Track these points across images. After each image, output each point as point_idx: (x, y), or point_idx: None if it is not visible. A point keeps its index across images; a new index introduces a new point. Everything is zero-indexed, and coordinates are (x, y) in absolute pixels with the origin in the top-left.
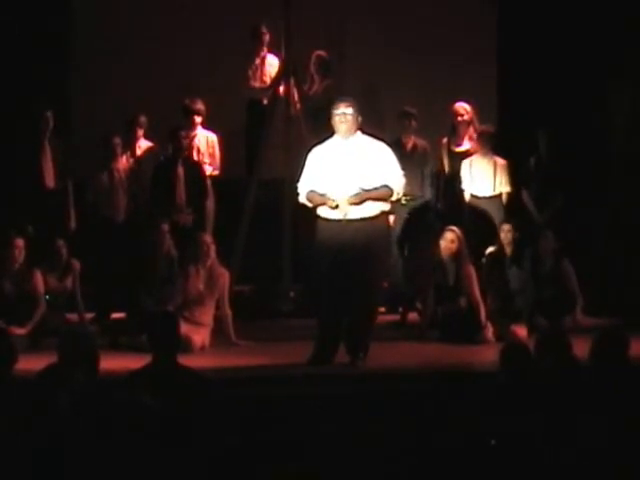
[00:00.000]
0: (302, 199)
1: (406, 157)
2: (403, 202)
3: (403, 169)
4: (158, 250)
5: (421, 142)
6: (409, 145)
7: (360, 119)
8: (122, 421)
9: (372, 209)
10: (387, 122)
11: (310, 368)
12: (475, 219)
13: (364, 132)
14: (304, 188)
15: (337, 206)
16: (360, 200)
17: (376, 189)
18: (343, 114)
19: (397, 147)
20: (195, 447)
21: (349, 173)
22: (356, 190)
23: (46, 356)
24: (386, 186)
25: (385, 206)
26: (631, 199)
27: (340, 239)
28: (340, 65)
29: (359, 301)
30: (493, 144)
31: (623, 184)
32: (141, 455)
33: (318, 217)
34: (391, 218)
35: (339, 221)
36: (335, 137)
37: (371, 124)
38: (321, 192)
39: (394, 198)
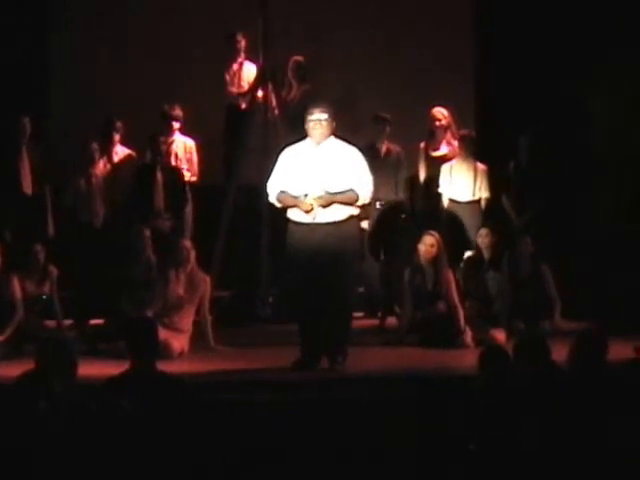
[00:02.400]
0: (271, 199)
1: (380, 162)
2: (377, 207)
3: (376, 174)
4: (138, 256)
5: (395, 147)
6: (383, 150)
7: (334, 124)
8: (99, 427)
9: (341, 213)
10: (364, 127)
11: (289, 373)
12: (450, 224)
13: (337, 136)
14: (274, 188)
15: (312, 209)
16: (325, 203)
17: (341, 193)
18: (318, 120)
19: (371, 152)
20: (175, 454)
21: (317, 177)
22: (320, 192)
23: (24, 363)
24: (352, 190)
25: (354, 210)
26: (610, 203)
27: (310, 243)
28: (318, 70)
29: (332, 306)
30: (474, 148)
31: (603, 188)
32: (121, 461)
33: (288, 220)
34: (365, 223)
35: (308, 224)
36: (308, 140)
37: (347, 128)
38: (294, 194)
39: (359, 203)
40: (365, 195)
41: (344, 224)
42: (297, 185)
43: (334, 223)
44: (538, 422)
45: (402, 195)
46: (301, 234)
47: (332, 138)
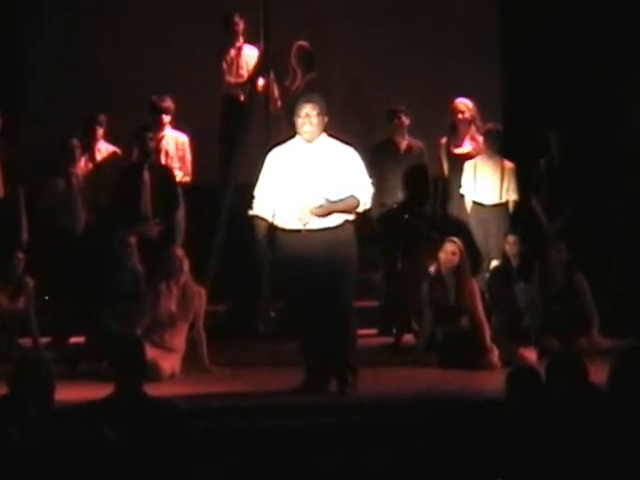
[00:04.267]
0: (255, 212)
1: (399, 159)
2: (394, 207)
3: (395, 172)
4: (123, 265)
5: (417, 143)
6: (403, 146)
7: (326, 120)
8: (81, 458)
9: (335, 218)
10: (378, 120)
11: (294, 397)
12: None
13: (330, 135)
14: (261, 201)
15: None
16: (325, 212)
17: (341, 200)
18: (307, 116)
19: (389, 148)
20: None
21: (312, 181)
22: (320, 201)
23: None
24: (352, 196)
25: (350, 215)
26: None
27: (301, 252)
28: (325, 57)
29: (330, 319)
30: (501, 145)
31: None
32: None
33: (275, 227)
34: None
35: (298, 231)
36: (297, 139)
37: (359, 122)
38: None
39: (361, 209)
40: (366, 200)
41: (339, 230)
42: (289, 192)
43: (328, 229)
44: (573, 450)
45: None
46: (291, 243)
47: (324, 136)
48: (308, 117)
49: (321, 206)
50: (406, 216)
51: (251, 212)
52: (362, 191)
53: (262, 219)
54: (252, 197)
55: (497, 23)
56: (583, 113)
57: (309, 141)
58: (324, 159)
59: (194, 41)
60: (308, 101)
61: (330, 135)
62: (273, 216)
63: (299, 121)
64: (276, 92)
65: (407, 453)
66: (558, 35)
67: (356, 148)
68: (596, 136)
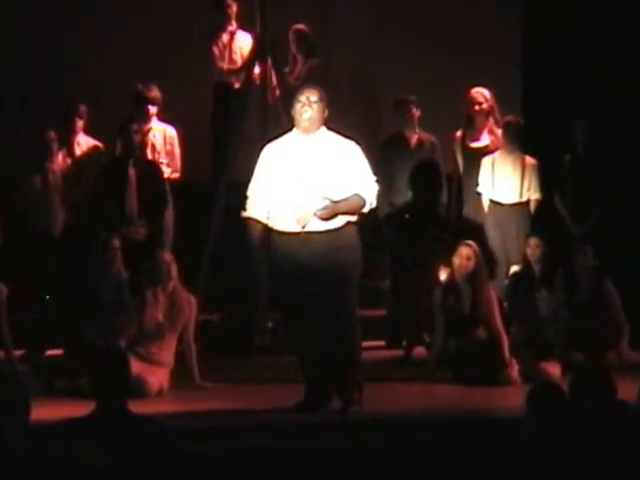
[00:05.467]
0: (248, 213)
1: (409, 155)
2: (402, 207)
3: (406, 168)
4: (106, 271)
5: (428, 137)
6: (413, 140)
7: (326, 113)
8: None
9: (336, 220)
10: (384, 113)
11: (293, 415)
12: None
13: (329, 128)
14: (254, 201)
15: None
16: (330, 214)
17: (345, 200)
18: (307, 100)
19: (398, 143)
20: None
21: (311, 178)
22: (323, 201)
23: None
24: (357, 195)
25: (352, 216)
26: None
27: (299, 257)
28: (325, 45)
29: (331, 331)
30: (521, 139)
31: None
32: None
33: (271, 230)
34: None
35: (297, 234)
36: (294, 132)
37: (364, 115)
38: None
39: (366, 209)
40: (372, 199)
41: (340, 232)
42: (287, 191)
43: (328, 231)
44: (600, 473)
45: (444, 195)
46: (288, 247)
47: (323, 129)
48: (308, 101)
49: (325, 207)
50: (406, 216)
51: (244, 214)
52: (367, 189)
53: (256, 221)
54: (245, 197)
55: (519, 8)
56: (618, 102)
57: (308, 131)
58: (324, 154)
59: (184, 26)
60: (309, 87)
61: (330, 129)
62: (268, 218)
63: (298, 106)
64: (274, 80)
65: (418, 477)
66: (585, 18)
67: (362, 143)
68: (630, 125)
